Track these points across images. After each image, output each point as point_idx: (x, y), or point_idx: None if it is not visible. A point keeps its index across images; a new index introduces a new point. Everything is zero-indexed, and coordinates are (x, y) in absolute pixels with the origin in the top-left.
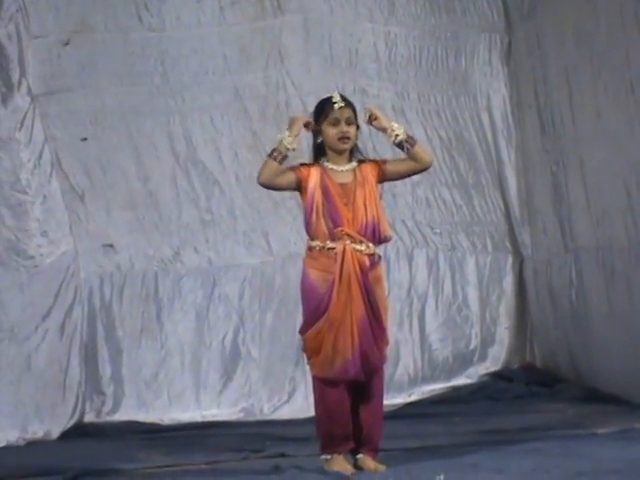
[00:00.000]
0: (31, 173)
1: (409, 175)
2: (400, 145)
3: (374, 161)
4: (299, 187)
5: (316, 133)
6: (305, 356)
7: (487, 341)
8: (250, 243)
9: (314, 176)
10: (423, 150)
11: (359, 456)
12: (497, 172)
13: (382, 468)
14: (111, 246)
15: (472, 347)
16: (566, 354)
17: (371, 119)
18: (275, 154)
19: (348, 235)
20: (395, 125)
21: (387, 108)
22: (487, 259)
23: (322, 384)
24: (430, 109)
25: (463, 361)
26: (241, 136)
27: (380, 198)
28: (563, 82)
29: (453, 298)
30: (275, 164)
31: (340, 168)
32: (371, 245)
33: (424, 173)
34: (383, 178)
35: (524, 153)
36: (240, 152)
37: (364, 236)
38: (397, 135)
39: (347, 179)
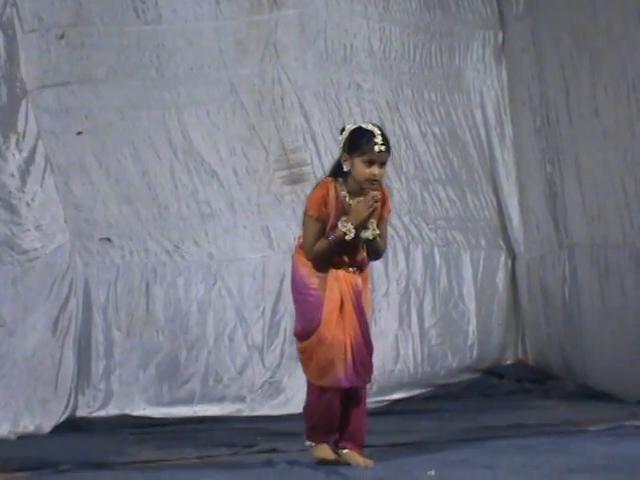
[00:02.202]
0: (25, 167)
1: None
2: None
3: (384, 200)
4: None
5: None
6: (299, 358)
7: (482, 337)
8: (251, 237)
9: (330, 205)
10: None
11: (345, 451)
12: (490, 169)
13: (371, 463)
14: (109, 240)
15: (470, 343)
16: (558, 351)
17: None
18: (334, 242)
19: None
20: (369, 229)
21: (381, 103)
22: (481, 255)
23: (317, 388)
24: (424, 105)
25: (462, 357)
26: (237, 130)
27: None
28: (559, 80)
29: (449, 294)
30: (330, 247)
31: (355, 201)
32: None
33: (418, 168)
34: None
35: (518, 150)
36: (237, 146)
37: (360, 264)
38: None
39: None
